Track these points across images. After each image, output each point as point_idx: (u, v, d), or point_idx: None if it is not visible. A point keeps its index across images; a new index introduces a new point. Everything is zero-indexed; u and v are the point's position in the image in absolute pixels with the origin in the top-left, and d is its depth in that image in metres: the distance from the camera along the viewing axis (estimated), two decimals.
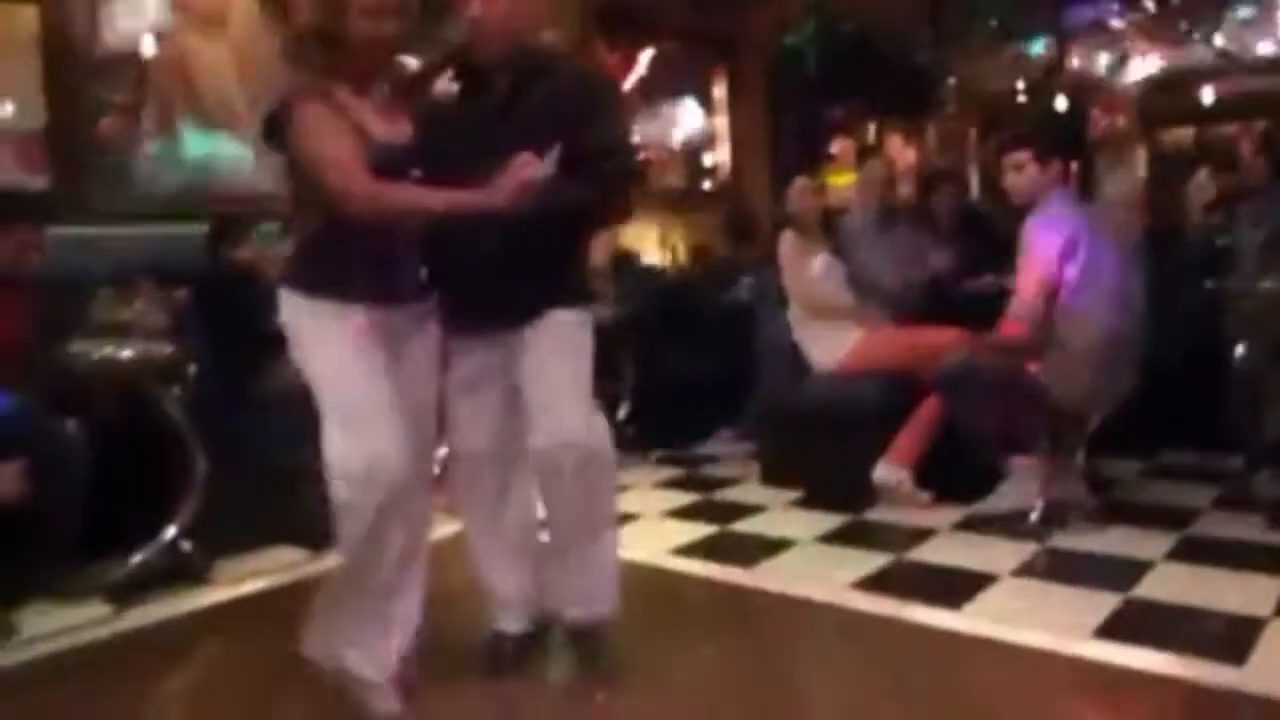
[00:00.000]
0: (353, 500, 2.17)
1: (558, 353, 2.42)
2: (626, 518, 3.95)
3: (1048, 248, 3.32)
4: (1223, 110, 9.47)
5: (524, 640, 2.63)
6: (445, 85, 2.39)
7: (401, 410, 2.26)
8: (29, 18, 4.09)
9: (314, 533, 3.60)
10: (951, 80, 7.45)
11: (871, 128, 8.82)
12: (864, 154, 7.88)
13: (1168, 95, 9.56)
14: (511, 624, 2.64)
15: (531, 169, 2.16)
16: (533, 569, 2.64)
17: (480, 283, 2.43)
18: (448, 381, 2.53)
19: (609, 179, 2.42)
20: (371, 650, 2.31)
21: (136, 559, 3.28)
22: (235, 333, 3.63)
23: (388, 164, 2.23)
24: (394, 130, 2.29)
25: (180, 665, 2.85)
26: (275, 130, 2.23)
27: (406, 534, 2.30)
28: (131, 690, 2.61)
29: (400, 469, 2.19)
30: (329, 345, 2.24)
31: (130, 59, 4.33)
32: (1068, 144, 4.02)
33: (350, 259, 2.26)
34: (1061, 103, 8.23)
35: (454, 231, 2.34)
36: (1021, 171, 3.45)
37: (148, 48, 4.37)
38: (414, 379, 2.37)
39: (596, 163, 2.34)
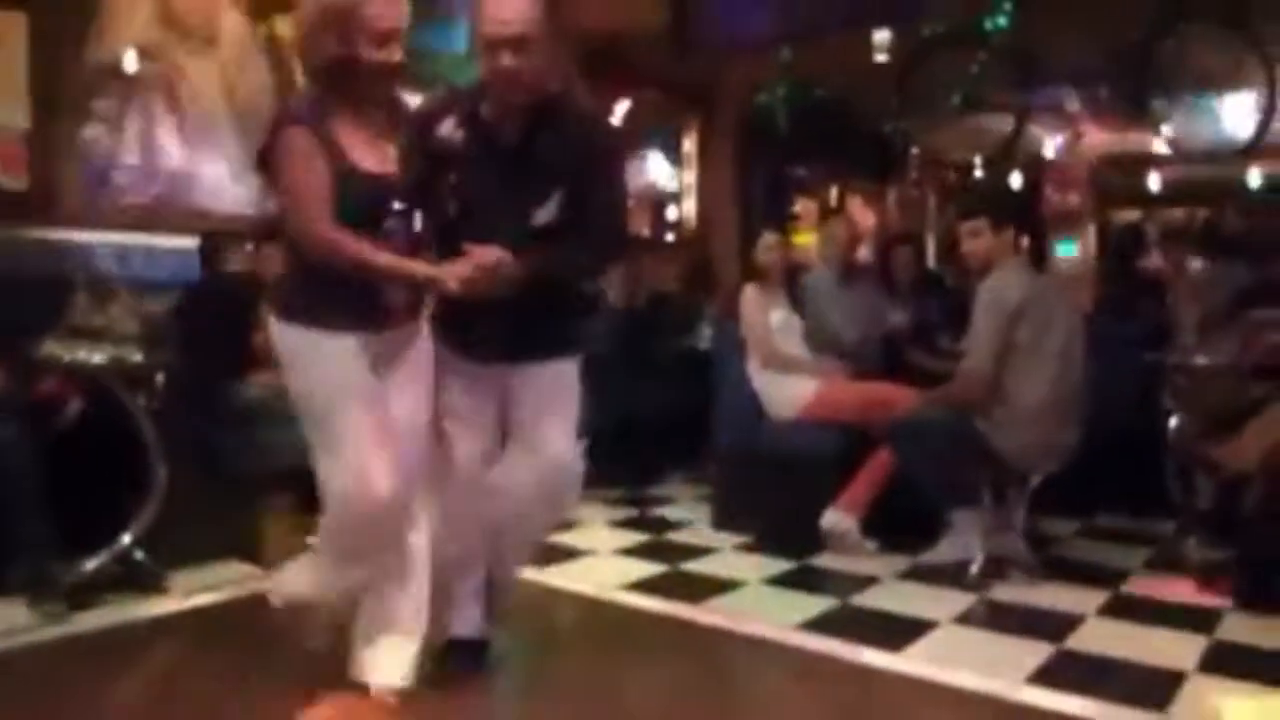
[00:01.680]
0: (341, 520, 2.26)
1: (553, 389, 2.60)
2: (579, 554, 4.02)
3: (1000, 310, 3.48)
4: (1169, 194, 9.86)
5: (477, 645, 2.74)
6: (450, 129, 2.42)
7: (392, 430, 2.33)
8: (18, 23, 4.15)
9: (267, 550, 3.67)
10: (914, 149, 7.70)
11: (834, 190, 9.08)
12: (826, 215, 8.12)
13: (1118, 176, 9.95)
14: (465, 630, 2.73)
15: (491, 260, 2.24)
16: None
17: (483, 319, 2.47)
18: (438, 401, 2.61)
19: (605, 236, 2.55)
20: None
21: (90, 564, 3.27)
22: (206, 344, 3.67)
23: (371, 196, 2.29)
24: (381, 161, 2.33)
25: (126, 672, 2.84)
26: (263, 159, 2.31)
27: (394, 546, 2.40)
28: (75, 694, 2.61)
29: (389, 490, 2.26)
30: (321, 371, 2.30)
31: (115, 70, 4.39)
32: (1021, 215, 4.20)
33: (337, 286, 2.28)
34: (1017, 177, 8.55)
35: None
36: (978, 237, 3.63)
37: (132, 61, 4.44)
38: (404, 397, 2.43)
39: (595, 217, 2.47)
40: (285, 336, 2.33)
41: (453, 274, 2.25)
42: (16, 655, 2.83)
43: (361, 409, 2.30)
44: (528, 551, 2.87)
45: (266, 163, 2.30)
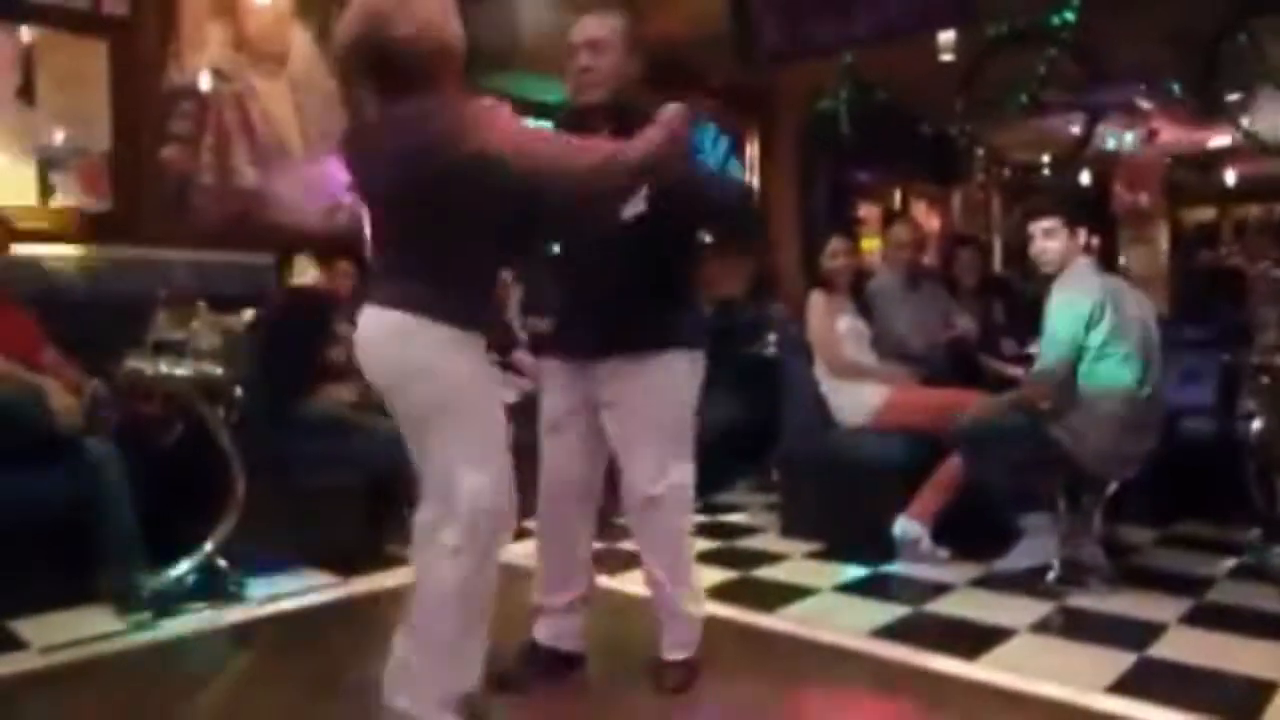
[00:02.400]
0: (482, 533, 2.17)
1: (646, 404, 2.54)
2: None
3: (1075, 313, 3.41)
4: (1245, 190, 9.61)
5: (557, 655, 2.74)
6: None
7: None
8: (100, 51, 4.30)
9: (343, 558, 3.74)
10: (979, 151, 7.61)
11: (897, 194, 9.00)
12: (889, 219, 8.05)
13: (1191, 174, 9.73)
14: (547, 638, 2.75)
15: (681, 117, 2.20)
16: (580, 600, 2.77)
17: (578, 305, 2.56)
18: (539, 424, 2.68)
19: (722, 186, 2.59)
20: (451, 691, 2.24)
21: (174, 573, 3.36)
22: (280, 359, 3.76)
23: None
24: None
25: (209, 677, 2.93)
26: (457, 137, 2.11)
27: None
28: (160, 698, 2.68)
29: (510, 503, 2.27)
30: (476, 377, 2.24)
31: (192, 93, 4.53)
32: (1093, 216, 4.14)
33: (488, 292, 2.39)
34: (1086, 178, 8.40)
35: (569, 251, 2.54)
36: (1051, 237, 3.55)
37: (207, 82, 4.57)
38: None
39: (703, 198, 2.52)
40: (437, 338, 2.16)
41: (657, 134, 2.18)
42: (106, 660, 2.92)
43: (501, 414, 2.28)
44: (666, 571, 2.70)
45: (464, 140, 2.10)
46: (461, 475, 2.15)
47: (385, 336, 2.19)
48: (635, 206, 2.44)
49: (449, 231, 2.17)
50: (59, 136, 4.17)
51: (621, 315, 2.53)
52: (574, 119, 2.53)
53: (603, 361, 2.56)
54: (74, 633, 3.06)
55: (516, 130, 2.12)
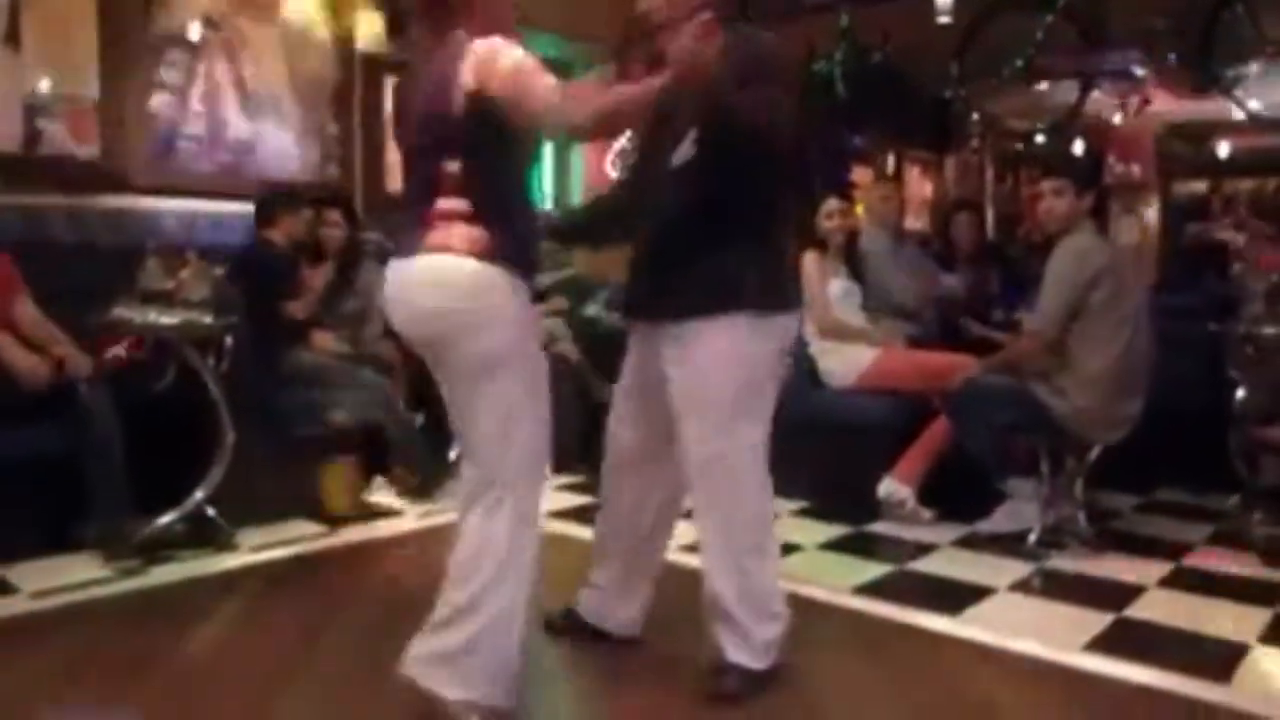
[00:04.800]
0: (534, 488, 2.19)
1: (703, 368, 2.30)
2: None
3: (1079, 272, 3.42)
4: (1239, 163, 9.61)
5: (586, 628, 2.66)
6: None
7: None
8: None
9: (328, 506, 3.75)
10: (975, 116, 7.57)
11: (890, 158, 8.96)
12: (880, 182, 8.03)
13: (1184, 145, 9.71)
14: (587, 612, 2.66)
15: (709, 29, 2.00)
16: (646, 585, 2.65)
17: (636, 262, 2.43)
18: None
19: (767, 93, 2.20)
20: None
21: (164, 520, 3.38)
22: (260, 308, 3.74)
23: None
24: None
25: (198, 624, 2.93)
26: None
27: None
28: (149, 644, 2.69)
29: None
30: (531, 325, 2.24)
31: (180, 39, 4.47)
32: (1098, 181, 4.16)
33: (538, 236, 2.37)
34: (1080, 146, 8.37)
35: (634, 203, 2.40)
36: (1061, 197, 3.55)
37: (196, 30, 4.51)
38: None
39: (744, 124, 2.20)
40: (501, 282, 2.07)
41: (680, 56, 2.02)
42: (94, 607, 2.94)
43: None
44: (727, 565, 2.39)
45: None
46: (516, 428, 2.09)
47: (451, 284, 2.05)
48: (684, 154, 2.30)
49: (492, 172, 2.09)
50: (45, 83, 4.11)
51: (674, 275, 2.33)
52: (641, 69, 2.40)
53: (659, 325, 2.38)
54: (63, 579, 3.08)
55: (514, 73, 2.01)
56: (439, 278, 2.06)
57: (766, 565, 2.43)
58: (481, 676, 2.09)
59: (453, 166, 2.07)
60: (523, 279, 2.11)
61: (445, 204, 2.07)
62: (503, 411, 2.08)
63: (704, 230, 2.31)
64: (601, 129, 2.20)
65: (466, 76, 2.01)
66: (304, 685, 2.42)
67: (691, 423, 2.33)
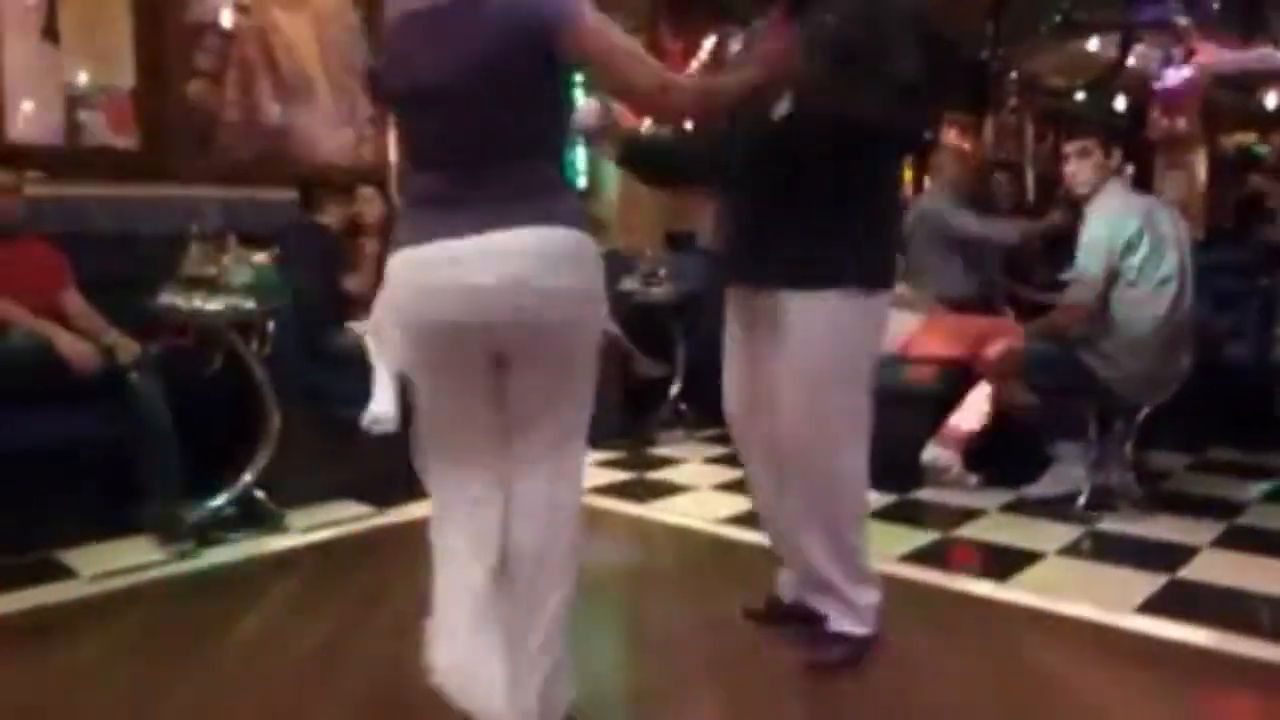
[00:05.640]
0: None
1: (795, 337, 2.21)
2: (679, 489, 4.07)
3: (1111, 236, 3.36)
4: None
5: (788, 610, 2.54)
6: None
7: None
8: None
9: (378, 489, 3.79)
10: (1013, 75, 7.44)
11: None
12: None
13: (1230, 96, 9.47)
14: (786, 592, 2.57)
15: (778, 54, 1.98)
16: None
17: (732, 224, 2.33)
18: None
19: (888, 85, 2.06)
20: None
21: (214, 503, 3.44)
22: (307, 291, 3.78)
23: None
24: None
25: (250, 605, 2.98)
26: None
27: None
28: (203, 625, 2.75)
29: None
30: None
31: (214, 28, 4.50)
32: (1129, 139, 4.07)
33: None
34: (1121, 102, 8.21)
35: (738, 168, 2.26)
36: (1087, 158, 3.49)
37: (229, 18, 4.54)
38: None
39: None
40: (595, 255, 1.91)
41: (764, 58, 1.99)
42: (151, 588, 3.00)
43: None
44: (822, 545, 2.34)
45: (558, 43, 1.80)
46: (582, 423, 1.96)
47: (553, 260, 1.80)
48: (782, 106, 2.14)
49: (559, 131, 1.92)
50: (84, 76, 4.16)
51: (770, 241, 2.23)
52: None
53: (755, 292, 2.30)
54: (120, 562, 3.14)
55: (628, 45, 1.87)
56: (574, 252, 1.83)
57: (862, 532, 2.40)
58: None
59: (535, 122, 1.85)
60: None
61: (539, 169, 1.86)
62: (583, 402, 1.95)
63: (808, 194, 2.18)
64: (698, 114, 2.12)
65: (563, 11, 1.77)
66: (356, 663, 2.46)
67: (787, 392, 2.25)
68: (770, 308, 2.25)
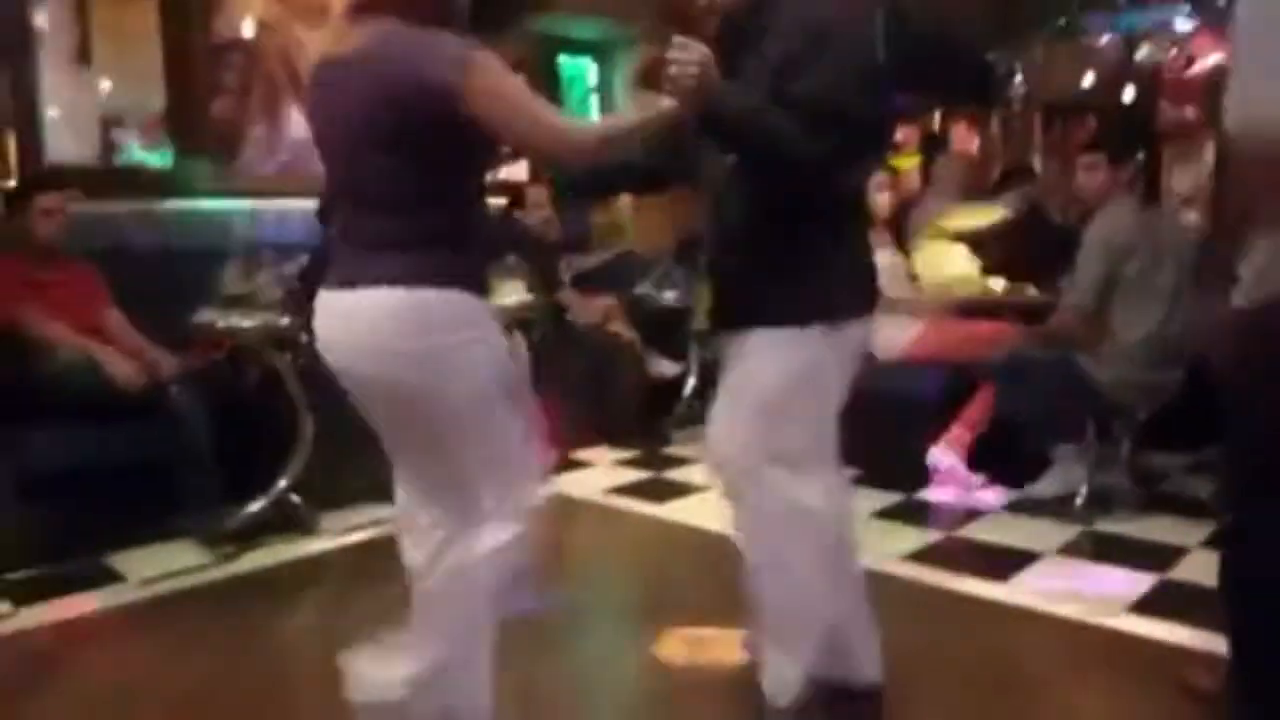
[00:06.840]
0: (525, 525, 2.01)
1: (740, 366, 2.13)
2: (691, 489, 4.22)
3: (1106, 249, 3.50)
4: None
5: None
6: None
7: None
8: (150, 9, 4.42)
9: None
10: (1019, 74, 7.52)
11: (936, 116, 8.90)
12: (928, 140, 7.98)
13: None
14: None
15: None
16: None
17: (709, 268, 2.26)
18: None
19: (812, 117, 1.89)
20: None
21: (251, 509, 3.61)
22: None
23: None
24: None
25: (289, 606, 3.16)
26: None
27: None
28: (243, 626, 2.92)
29: None
30: (502, 357, 2.00)
31: (239, 46, 4.65)
32: (1138, 141, 4.18)
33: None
34: (1129, 95, 8.24)
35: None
36: (1095, 171, 3.63)
37: (253, 36, 4.69)
38: None
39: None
40: (459, 311, 1.89)
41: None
42: (196, 591, 3.18)
43: None
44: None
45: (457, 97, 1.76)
46: (473, 495, 1.94)
47: (397, 324, 1.81)
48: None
49: (446, 178, 1.86)
50: (116, 96, 4.32)
51: (732, 282, 2.18)
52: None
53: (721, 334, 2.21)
54: (166, 566, 3.32)
55: (517, 93, 1.83)
56: (395, 316, 1.81)
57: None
58: None
59: (405, 176, 1.83)
60: (484, 299, 1.93)
61: (385, 220, 1.85)
62: (488, 451, 1.92)
63: (766, 228, 2.05)
64: (602, 158, 2.03)
65: (448, 78, 1.75)
66: None
67: (718, 413, 2.19)
68: (734, 350, 2.16)
